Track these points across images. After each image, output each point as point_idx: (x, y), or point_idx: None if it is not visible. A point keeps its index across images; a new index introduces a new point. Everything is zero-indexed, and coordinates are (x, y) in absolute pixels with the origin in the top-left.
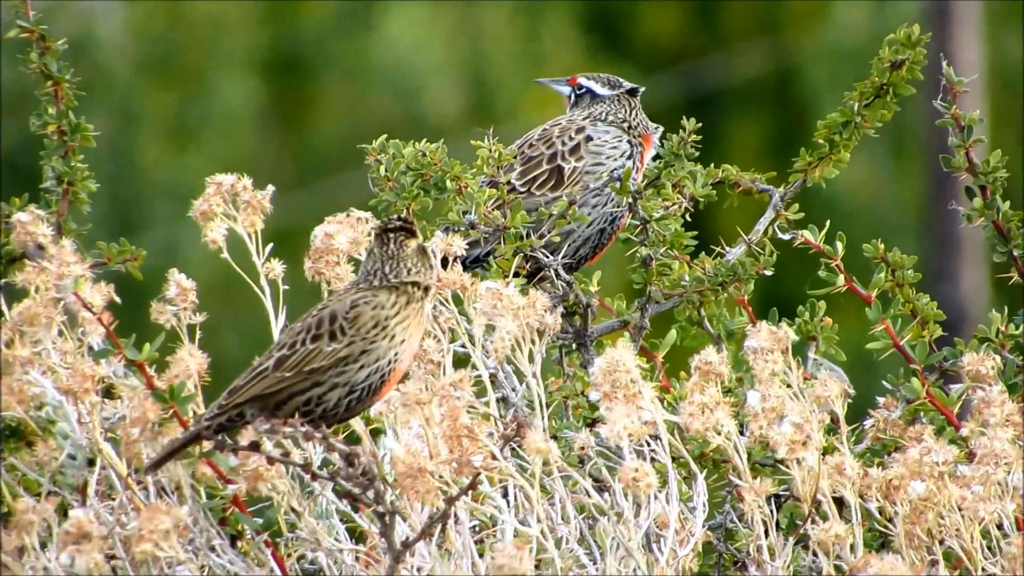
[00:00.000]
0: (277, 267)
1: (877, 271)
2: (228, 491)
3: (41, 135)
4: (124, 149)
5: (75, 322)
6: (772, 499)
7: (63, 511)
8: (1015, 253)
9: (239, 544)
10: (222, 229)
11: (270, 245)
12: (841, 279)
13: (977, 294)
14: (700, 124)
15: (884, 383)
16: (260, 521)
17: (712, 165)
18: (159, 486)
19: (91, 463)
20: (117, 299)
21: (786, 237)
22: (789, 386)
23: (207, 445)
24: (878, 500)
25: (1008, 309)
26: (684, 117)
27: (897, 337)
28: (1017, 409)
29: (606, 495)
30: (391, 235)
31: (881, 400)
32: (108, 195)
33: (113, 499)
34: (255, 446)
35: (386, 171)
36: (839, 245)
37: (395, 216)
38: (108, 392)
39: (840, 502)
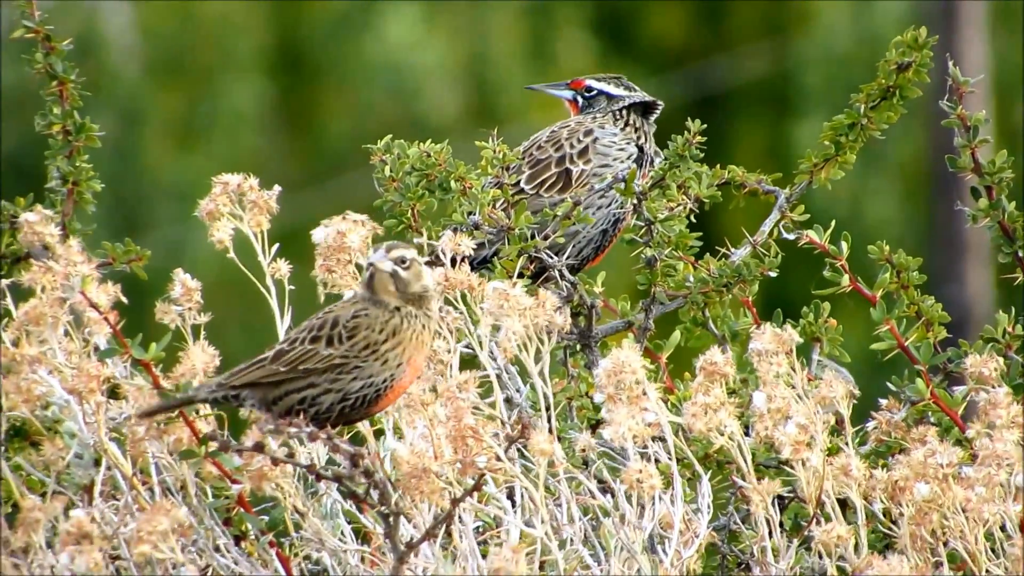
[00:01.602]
0: (283, 267)
1: (882, 271)
2: (233, 491)
3: (46, 135)
4: (129, 149)
5: (81, 322)
6: (777, 500)
7: (69, 510)
8: (1020, 254)
9: (244, 544)
10: (228, 229)
11: (276, 245)
12: (846, 279)
13: (983, 295)
14: (705, 125)
15: (888, 384)
16: (265, 521)
17: (718, 166)
18: (164, 486)
19: (97, 463)
20: (124, 299)
21: (791, 237)
22: (793, 387)
23: (208, 437)
24: (883, 501)
25: (1015, 310)
26: (689, 118)
27: (902, 338)
28: (1022, 410)
29: (610, 496)
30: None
31: (884, 402)
32: (113, 195)
33: (118, 499)
34: (260, 447)
35: (391, 171)
36: (844, 245)
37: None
38: (113, 392)
39: (844, 503)
